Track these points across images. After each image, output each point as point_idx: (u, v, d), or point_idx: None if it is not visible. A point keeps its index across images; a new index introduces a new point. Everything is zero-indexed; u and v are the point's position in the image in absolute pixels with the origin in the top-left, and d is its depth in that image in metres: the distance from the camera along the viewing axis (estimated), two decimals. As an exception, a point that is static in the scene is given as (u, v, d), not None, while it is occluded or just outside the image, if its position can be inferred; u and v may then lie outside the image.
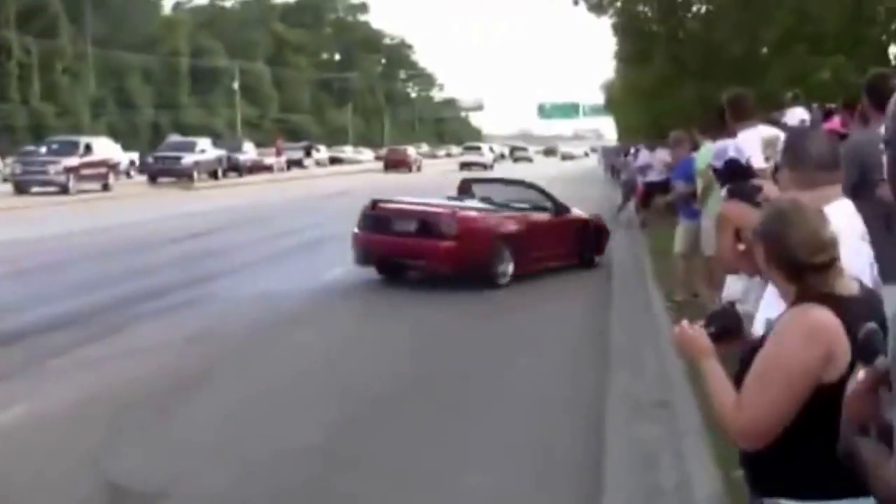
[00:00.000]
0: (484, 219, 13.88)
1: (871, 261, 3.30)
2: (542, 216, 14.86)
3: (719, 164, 7.35)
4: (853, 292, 2.73)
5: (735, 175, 4.78)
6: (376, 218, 13.88)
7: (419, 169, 65.60)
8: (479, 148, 78.68)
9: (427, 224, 13.34)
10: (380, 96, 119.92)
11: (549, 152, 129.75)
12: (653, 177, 17.60)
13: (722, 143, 7.25)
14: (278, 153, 57.95)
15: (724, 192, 3.86)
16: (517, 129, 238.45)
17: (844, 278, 2.76)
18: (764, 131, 7.09)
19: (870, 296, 2.80)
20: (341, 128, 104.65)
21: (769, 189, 4.08)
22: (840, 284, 2.73)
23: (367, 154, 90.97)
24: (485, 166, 68.55)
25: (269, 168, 54.86)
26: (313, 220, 23.73)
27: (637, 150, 44.50)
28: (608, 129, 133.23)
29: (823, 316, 2.64)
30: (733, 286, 5.24)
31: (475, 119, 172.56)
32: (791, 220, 2.75)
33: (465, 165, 67.63)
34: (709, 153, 8.44)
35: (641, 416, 7.07)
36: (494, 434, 6.84)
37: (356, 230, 14.10)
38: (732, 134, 7.31)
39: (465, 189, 16.00)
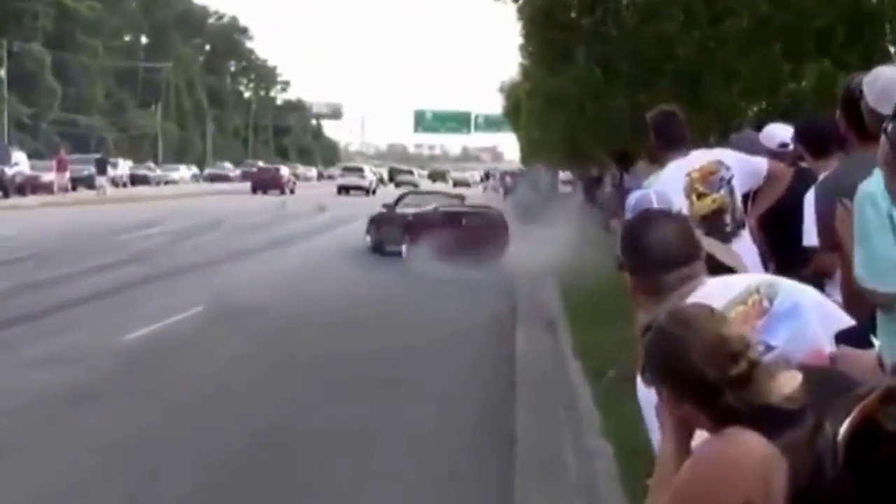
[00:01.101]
0: None
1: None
2: None
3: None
4: (794, 389, 2.73)
5: None
6: None
7: (293, 191, 71.07)
8: (360, 170, 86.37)
9: None
10: (200, 95, 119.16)
11: (437, 177, 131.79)
12: None
13: (641, 193, 7.27)
14: (60, 167, 56.92)
15: None
16: (386, 145, 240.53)
17: (781, 375, 2.77)
18: (697, 161, 7.09)
19: (822, 382, 2.77)
20: (148, 135, 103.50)
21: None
22: (775, 387, 2.73)
23: (182, 171, 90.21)
24: (367, 191, 72.15)
25: (47, 187, 53.87)
26: (109, 261, 23.29)
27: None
28: (510, 148, 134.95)
29: (748, 448, 2.65)
30: None
31: (331, 130, 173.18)
32: (681, 338, 2.78)
33: (343, 189, 74.70)
34: (650, 184, 8.46)
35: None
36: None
37: None
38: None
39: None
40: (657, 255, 3.55)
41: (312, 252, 28.14)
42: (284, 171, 78.45)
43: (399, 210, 28.96)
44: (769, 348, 3.26)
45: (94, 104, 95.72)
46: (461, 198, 31.97)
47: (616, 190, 24.04)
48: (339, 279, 22.23)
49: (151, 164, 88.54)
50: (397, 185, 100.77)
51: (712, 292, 3.43)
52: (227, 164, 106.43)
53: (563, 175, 42.96)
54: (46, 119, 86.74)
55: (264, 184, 71.68)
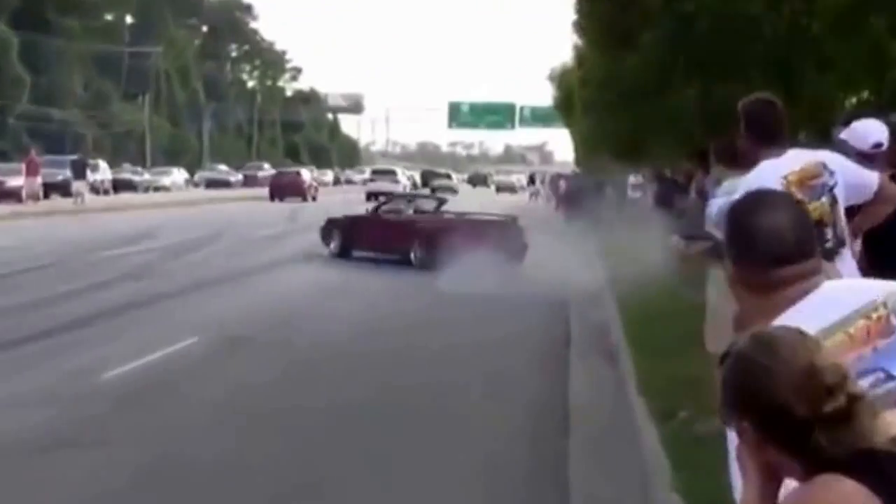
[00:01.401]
0: None
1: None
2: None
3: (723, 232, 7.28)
4: None
5: None
6: None
7: (314, 198, 73.92)
8: (393, 173, 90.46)
9: None
10: (196, 84, 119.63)
11: (478, 181, 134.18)
12: None
13: (724, 202, 7.17)
14: (31, 171, 57.09)
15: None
16: (415, 144, 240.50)
17: (888, 413, 2.76)
18: (795, 162, 6.98)
19: None
20: (134, 133, 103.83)
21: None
22: (879, 427, 2.71)
23: (175, 175, 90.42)
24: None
25: (14, 195, 54.31)
26: (88, 283, 23.41)
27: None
28: (561, 147, 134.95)
29: (845, 500, 2.62)
30: None
31: (350, 126, 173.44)
32: (766, 367, 2.75)
33: (373, 195, 75.35)
34: (729, 190, 8.43)
35: None
36: None
37: None
38: (753, 162, 7.23)
39: None
40: (768, 244, 3.48)
41: (327, 272, 28.15)
42: (306, 174, 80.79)
43: (387, 216, 32.43)
44: (890, 378, 3.19)
45: (70, 95, 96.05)
46: (441, 202, 34.60)
47: (699, 197, 23.88)
48: (359, 302, 22.25)
49: (138, 167, 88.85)
50: (433, 190, 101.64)
51: (831, 298, 3.39)
52: (222, 167, 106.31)
53: (633, 178, 43.06)
54: (13, 113, 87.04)
55: (283, 189, 74.11)
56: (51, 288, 22.35)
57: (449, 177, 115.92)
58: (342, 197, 75.39)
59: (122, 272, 25.60)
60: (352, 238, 31.73)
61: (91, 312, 19.37)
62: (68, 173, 60.05)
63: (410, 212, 32.40)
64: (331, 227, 32.59)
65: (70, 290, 22.26)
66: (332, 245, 31.97)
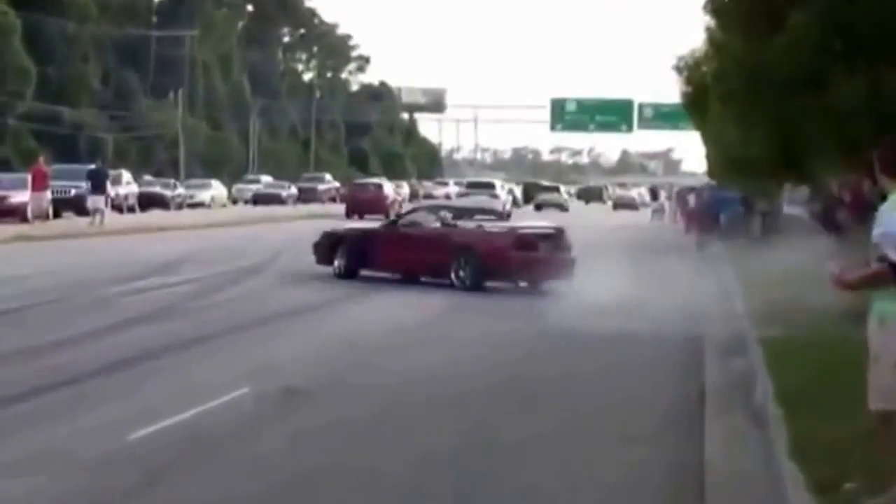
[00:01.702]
0: None
1: None
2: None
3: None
4: None
5: None
6: None
7: (399, 215, 72.31)
8: (491, 186, 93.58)
9: None
10: (240, 77, 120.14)
11: (591, 195, 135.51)
12: None
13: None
14: (38, 184, 57.39)
15: None
16: (510, 150, 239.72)
17: None
18: None
19: None
20: (164, 137, 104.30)
21: None
22: None
23: (215, 189, 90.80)
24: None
25: (17, 212, 54.98)
26: (109, 323, 23.50)
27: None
28: (690, 154, 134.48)
29: None
30: None
31: (429, 128, 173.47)
32: None
33: None
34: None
35: None
36: None
37: None
38: None
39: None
40: None
41: (402, 304, 28.20)
42: (388, 188, 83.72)
43: (408, 230, 33.25)
44: None
45: (84, 91, 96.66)
46: (494, 215, 37.01)
47: (864, 212, 23.72)
48: (439, 341, 22.28)
49: (170, 179, 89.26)
50: (538, 207, 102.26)
51: None
52: (266, 178, 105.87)
53: (790, 191, 43.40)
54: (15, 112, 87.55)
55: (362, 205, 76.65)
56: (63, 329, 22.40)
57: (557, 190, 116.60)
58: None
59: (151, 309, 25.69)
60: (362, 255, 32.53)
61: (115, 359, 19.35)
62: (84, 186, 60.40)
63: (437, 225, 32.81)
64: (332, 243, 33.53)
65: (88, 331, 22.31)
66: (336, 264, 32.87)
